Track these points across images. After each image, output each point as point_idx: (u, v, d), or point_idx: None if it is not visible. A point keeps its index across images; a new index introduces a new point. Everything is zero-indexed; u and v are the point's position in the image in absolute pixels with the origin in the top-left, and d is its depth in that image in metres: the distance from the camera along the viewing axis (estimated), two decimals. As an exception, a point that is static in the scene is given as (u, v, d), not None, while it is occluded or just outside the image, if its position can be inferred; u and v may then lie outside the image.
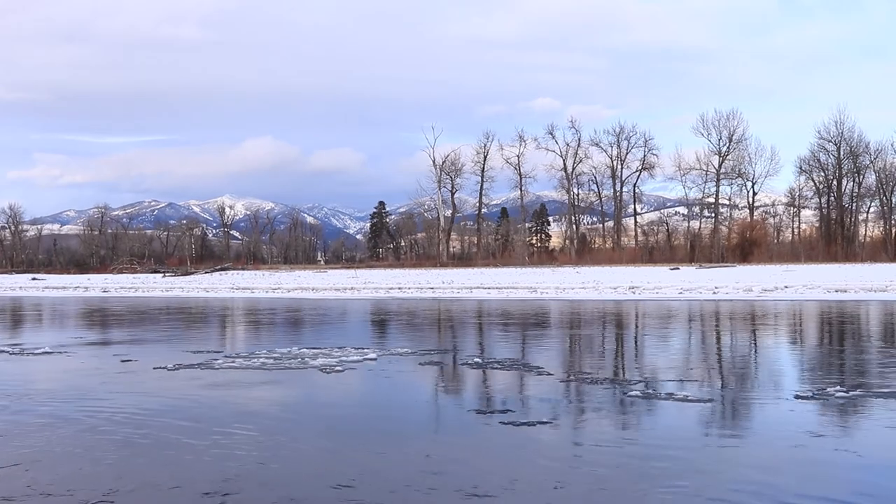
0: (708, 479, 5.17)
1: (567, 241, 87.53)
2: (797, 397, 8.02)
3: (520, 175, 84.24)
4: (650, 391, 8.43)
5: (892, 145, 73.53)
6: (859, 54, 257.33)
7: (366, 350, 12.49)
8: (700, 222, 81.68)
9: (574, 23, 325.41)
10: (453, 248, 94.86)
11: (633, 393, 8.31)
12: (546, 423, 6.87)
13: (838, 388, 8.28)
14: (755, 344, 13.94)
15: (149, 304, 30.35)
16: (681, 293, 29.38)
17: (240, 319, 23.10)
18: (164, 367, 10.84)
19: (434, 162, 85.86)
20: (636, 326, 18.06)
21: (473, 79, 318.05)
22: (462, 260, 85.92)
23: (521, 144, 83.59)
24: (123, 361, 11.79)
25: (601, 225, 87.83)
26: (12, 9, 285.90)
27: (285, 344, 13.64)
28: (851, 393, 8.08)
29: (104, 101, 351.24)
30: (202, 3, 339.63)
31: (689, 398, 7.97)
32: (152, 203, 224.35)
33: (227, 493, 4.95)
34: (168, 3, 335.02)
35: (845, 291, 28.07)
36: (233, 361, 11.35)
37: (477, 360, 11.21)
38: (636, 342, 14.67)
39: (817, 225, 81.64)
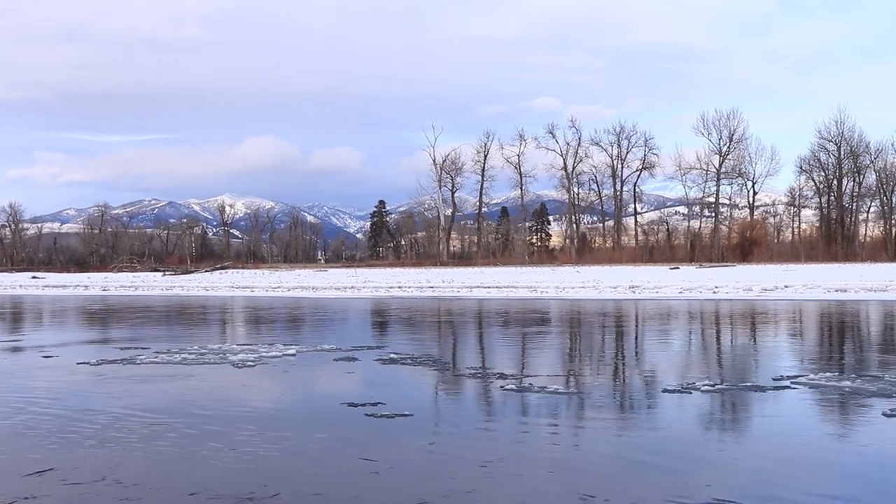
0: (509, 464, 5.60)
1: (567, 241, 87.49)
2: (664, 391, 8.40)
3: (520, 174, 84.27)
4: (527, 385, 8.79)
5: (892, 145, 73.55)
6: (859, 54, 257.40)
7: (293, 346, 12.87)
8: (700, 222, 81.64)
9: (574, 22, 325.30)
10: (453, 247, 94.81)
11: (508, 387, 8.70)
12: (407, 415, 7.21)
13: (707, 382, 8.71)
14: (702, 341, 14.25)
15: (135, 303, 30.34)
16: (681, 293, 29.37)
17: (215, 317, 23.29)
18: (87, 363, 11.26)
19: (434, 161, 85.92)
20: (604, 325, 18.18)
21: (474, 78, 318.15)
22: (462, 259, 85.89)
23: (521, 144, 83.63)
24: (45, 357, 12.35)
25: (601, 224, 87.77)
26: (13, 8, 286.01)
27: (232, 340, 14.26)
28: (717, 387, 8.47)
29: (104, 100, 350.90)
30: (202, 3, 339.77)
31: (559, 391, 8.40)
32: (152, 202, 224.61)
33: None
34: (168, 2, 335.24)
35: (845, 291, 28.05)
36: (156, 357, 11.76)
37: (393, 355, 11.61)
38: (583, 340, 14.97)
39: (817, 225, 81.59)
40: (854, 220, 77.34)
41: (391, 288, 37.11)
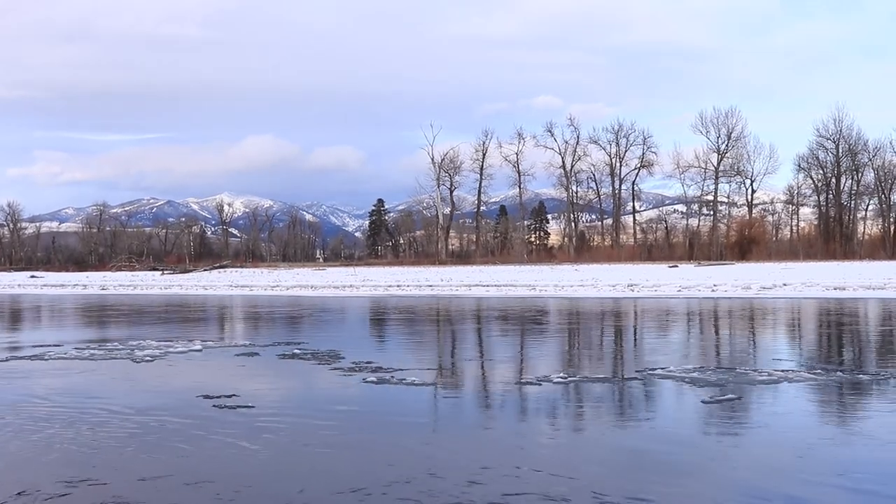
0: (286, 437, 6.42)
1: (566, 239, 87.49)
2: (517, 383, 9.05)
3: (518, 173, 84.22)
4: (388, 377, 9.30)
5: (890, 143, 73.65)
6: (859, 54, 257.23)
7: (209, 342, 13.62)
8: (699, 220, 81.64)
9: (574, 22, 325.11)
10: (452, 245, 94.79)
11: (369, 379, 9.26)
12: (250, 407, 7.65)
13: (561, 374, 9.28)
14: (634, 338, 14.69)
15: (125, 302, 30.32)
16: (679, 291, 29.38)
17: (187, 315, 23.49)
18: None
19: (433, 160, 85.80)
20: (560, 323, 18.52)
21: (474, 77, 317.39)
22: (461, 258, 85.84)
23: (519, 142, 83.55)
24: None
25: (600, 223, 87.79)
26: (14, 8, 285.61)
27: (167, 335, 14.94)
28: (569, 379, 8.96)
29: (104, 100, 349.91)
30: (203, 3, 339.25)
31: (415, 382, 8.91)
32: (151, 201, 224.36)
33: None
34: (169, 2, 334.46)
35: (844, 289, 28.07)
36: (65, 353, 12.29)
37: (298, 351, 12.12)
38: (519, 337, 15.39)
39: (816, 223, 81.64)
40: (852, 218, 77.41)
41: (390, 287, 37.10)
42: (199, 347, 12.85)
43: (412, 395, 8.40)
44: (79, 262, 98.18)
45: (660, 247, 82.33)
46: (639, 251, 77.30)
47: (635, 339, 14.52)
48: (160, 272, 67.07)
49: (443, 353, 12.93)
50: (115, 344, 13.47)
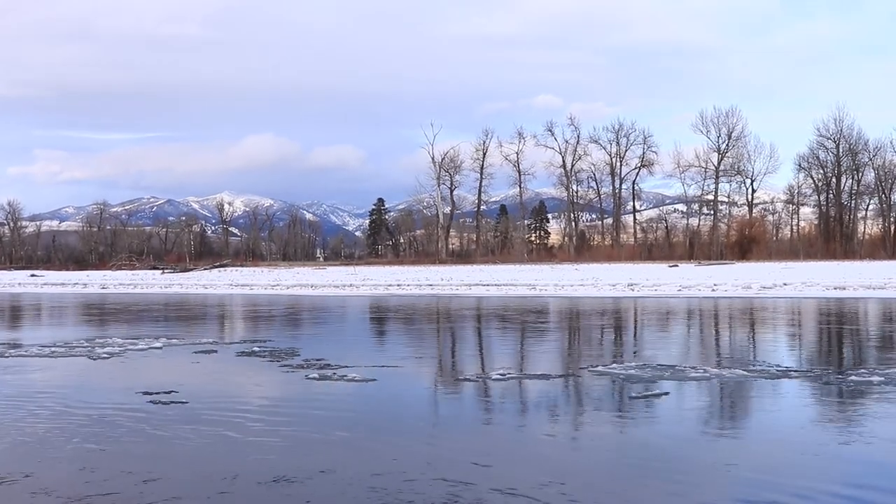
0: (212, 429, 6.89)
1: (566, 239, 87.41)
2: (456, 380, 9.48)
3: (519, 172, 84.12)
4: (330, 374, 9.66)
5: (891, 143, 73.50)
6: (859, 53, 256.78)
7: (173, 339, 14.11)
8: (699, 219, 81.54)
9: (575, 21, 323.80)
10: (452, 245, 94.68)
11: (312, 375, 9.60)
12: (182, 402, 7.95)
13: (502, 370, 9.62)
14: (601, 336, 15.02)
15: (121, 301, 30.32)
16: (679, 290, 29.38)
17: (171, 314, 23.62)
18: None
19: (433, 159, 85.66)
20: (548, 320, 18.77)
21: (474, 76, 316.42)
22: (461, 257, 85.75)
23: (520, 141, 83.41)
24: None
25: (600, 222, 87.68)
26: (14, 7, 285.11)
27: (136, 334, 15.39)
28: (507, 376, 9.32)
29: (106, 98, 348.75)
30: (204, 3, 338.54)
31: (356, 379, 9.32)
32: (151, 200, 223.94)
33: None
34: (170, 2, 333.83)
35: (844, 289, 28.06)
36: (26, 351, 12.61)
37: (257, 349, 12.51)
38: (495, 334, 15.86)
39: (816, 222, 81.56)
40: (853, 217, 77.34)
41: (390, 286, 37.10)
42: (160, 345, 13.13)
43: (347, 390, 8.78)
44: (79, 261, 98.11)
45: (660, 246, 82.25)
46: (639, 251, 77.24)
47: (602, 337, 14.76)
48: (160, 271, 67.06)
49: (403, 351, 13.16)
50: (82, 342, 13.72)
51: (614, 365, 10.06)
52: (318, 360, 10.98)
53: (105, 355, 11.90)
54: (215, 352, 12.49)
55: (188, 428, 6.77)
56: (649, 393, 8.13)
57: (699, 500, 4.77)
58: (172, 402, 7.97)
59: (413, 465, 5.53)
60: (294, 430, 6.72)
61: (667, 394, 8.13)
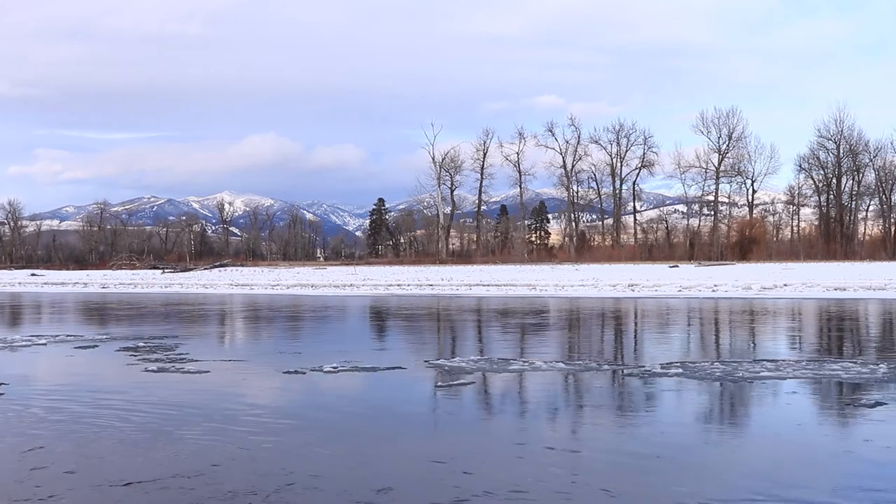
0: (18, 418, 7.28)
1: (566, 239, 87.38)
2: (285, 372, 9.92)
3: (519, 172, 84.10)
4: (171, 367, 10.42)
5: (891, 143, 73.40)
6: (860, 52, 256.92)
7: (70, 336, 14.76)
8: (699, 220, 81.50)
9: (577, 21, 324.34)
10: (452, 245, 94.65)
11: (151, 368, 10.32)
12: (57, 403, 8.17)
13: (335, 365, 10.16)
14: (529, 334, 15.49)
15: (90, 299, 30.33)
16: (680, 291, 29.37)
17: (115, 313, 23.77)
18: None
19: (434, 159, 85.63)
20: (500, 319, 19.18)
21: (477, 76, 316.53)
22: (461, 257, 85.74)
23: (520, 142, 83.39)
24: None
25: (600, 222, 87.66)
26: (16, 6, 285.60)
27: (39, 332, 15.92)
28: (339, 369, 9.93)
29: (108, 98, 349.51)
30: (207, 2, 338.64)
31: (191, 371, 10.06)
32: (151, 199, 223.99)
33: None
34: (173, 1, 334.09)
35: (844, 290, 28.06)
36: None
37: (141, 344, 13.18)
38: (442, 330, 16.57)
39: (816, 223, 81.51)
40: (853, 218, 77.30)
41: (390, 286, 37.10)
42: (44, 342, 13.65)
43: (166, 382, 9.36)
44: (79, 261, 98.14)
45: (660, 247, 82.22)
46: (639, 251, 77.22)
47: (504, 336, 15.17)
48: (161, 271, 67.06)
49: (273, 347, 13.73)
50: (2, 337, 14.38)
51: (457, 358, 10.82)
52: (182, 354, 11.68)
53: None
54: (96, 346, 13.10)
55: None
56: (454, 383, 8.87)
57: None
58: (52, 401, 8.25)
59: (163, 459, 5.76)
60: (64, 416, 7.24)
61: (472, 384, 8.88)
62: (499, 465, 5.49)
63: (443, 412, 7.75)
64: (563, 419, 7.26)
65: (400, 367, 10.20)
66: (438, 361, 10.54)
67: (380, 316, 21.93)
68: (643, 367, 10.06)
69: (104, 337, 14.76)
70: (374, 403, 8.02)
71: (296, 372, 9.90)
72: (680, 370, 9.62)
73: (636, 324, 18.06)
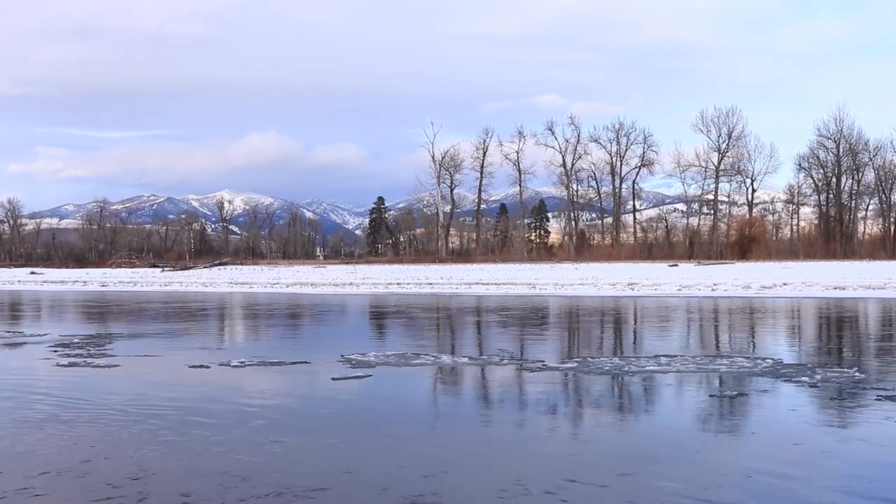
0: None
1: (566, 238, 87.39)
2: (190, 367, 10.12)
3: (519, 171, 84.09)
4: (83, 361, 10.68)
5: (891, 143, 73.44)
6: (860, 52, 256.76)
7: (47, 334, 14.97)
8: (699, 219, 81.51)
9: (578, 20, 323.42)
10: (452, 244, 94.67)
11: (63, 363, 10.61)
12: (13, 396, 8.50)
13: (243, 360, 10.42)
14: (450, 331, 15.97)
15: (96, 299, 30.32)
16: (679, 290, 29.38)
17: (104, 311, 23.91)
18: None
19: (433, 157, 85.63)
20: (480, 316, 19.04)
21: (478, 75, 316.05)
22: (461, 256, 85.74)
23: (520, 140, 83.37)
24: None
25: (600, 221, 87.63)
26: (17, 5, 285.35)
27: (26, 329, 16.42)
28: (246, 363, 10.18)
29: (108, 96, 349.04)
30: (208, 1, 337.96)
31: (101, 365, 10.26)
32: (151, 197, 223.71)
33: None
34: (174, 0, 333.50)
35: (844, 289, 28.06)
36: None
37: (77, 339, 13.41)
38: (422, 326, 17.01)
39: (816, 222, 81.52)
40: (853, 217, 77.31)
41: (390, 284, 37.10)
42: (6, 340, 14.20)
43: (70, 376, 9.60)
44: (79, 259, 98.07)
45: (660, 246, 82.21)
46: (639, 250, 77.22)
47: (453, 332, 15.46)
48: (160, 269, 67.03)
49: (203, 343, 13.92)
50: None
51: (372, 352, 11.03)
52: (106, 350, 11.99)
53: None
54: (25, 344, 13.44)
55: None
56: (349, 376, 9.12)
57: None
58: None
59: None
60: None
61: (370, 376, 9.17)
62: (335, 459, 5.64)
63: (310, 405, 7.80)
64: (414, 412, 7.44)
65: (305, 362, 10.47)
66: (352, 356, 10.71)
67: (358, 314, 22.14)
68: (542, 361, 10.20)
69: (44, 333, 15.02)
70: (251, 396, 8.20)
71: (201, 366, 10.08)
72: (575, 365, 9.84)
73: (602, 322, 18.20)
